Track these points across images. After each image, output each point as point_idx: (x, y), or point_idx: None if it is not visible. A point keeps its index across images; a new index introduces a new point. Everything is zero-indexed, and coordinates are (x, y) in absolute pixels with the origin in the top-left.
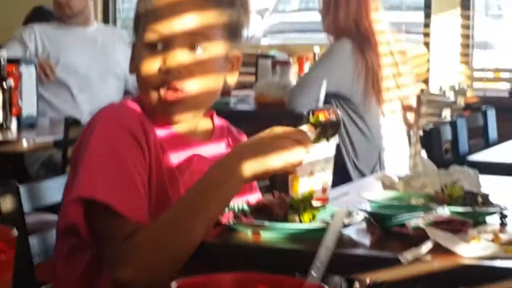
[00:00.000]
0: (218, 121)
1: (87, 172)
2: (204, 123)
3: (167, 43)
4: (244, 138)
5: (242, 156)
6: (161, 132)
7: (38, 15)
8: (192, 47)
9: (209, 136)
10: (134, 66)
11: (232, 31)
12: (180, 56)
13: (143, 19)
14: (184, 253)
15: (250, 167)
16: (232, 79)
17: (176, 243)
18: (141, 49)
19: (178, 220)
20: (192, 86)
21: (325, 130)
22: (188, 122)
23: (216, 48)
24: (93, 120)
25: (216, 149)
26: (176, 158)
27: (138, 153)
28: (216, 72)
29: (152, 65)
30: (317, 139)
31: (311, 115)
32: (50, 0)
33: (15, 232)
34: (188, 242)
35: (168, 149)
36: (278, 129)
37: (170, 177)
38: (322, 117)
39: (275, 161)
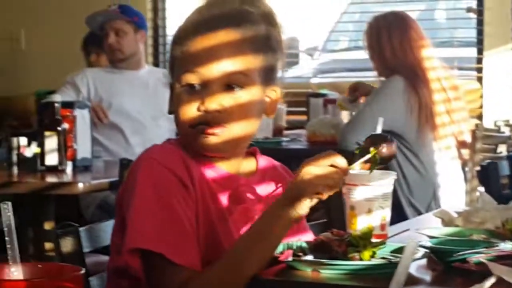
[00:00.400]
0: (263, 161)
1: (137, 221)
2: (247, 163)
3: (205, 84)
4: (290, 176)
5: (283, 203)
6: (206, 172)
7: (94, 37)
8: (230, 88)
9: (253, 175)
10: (173, 107)
11: (268, 72)
12: (218, 97)
13: (179, 61)
14: None
15: (291, 212)
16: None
17: None
18: (179, 90)
19: (229, 270)
20: (230, 126)
21: (370, 157)
22: (230, 161)
23: (253, 89)
24: (135, 164)
25: (261, 189)
26: (223, 197)
27: (182, 192)
28: (253, 112)
29: (190, 106)
30: (371, 168)
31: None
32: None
33: (82, 271)
34: (240, 286)
35: (215, 188)
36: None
37: (219, 216)
38: (365, 144)
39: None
